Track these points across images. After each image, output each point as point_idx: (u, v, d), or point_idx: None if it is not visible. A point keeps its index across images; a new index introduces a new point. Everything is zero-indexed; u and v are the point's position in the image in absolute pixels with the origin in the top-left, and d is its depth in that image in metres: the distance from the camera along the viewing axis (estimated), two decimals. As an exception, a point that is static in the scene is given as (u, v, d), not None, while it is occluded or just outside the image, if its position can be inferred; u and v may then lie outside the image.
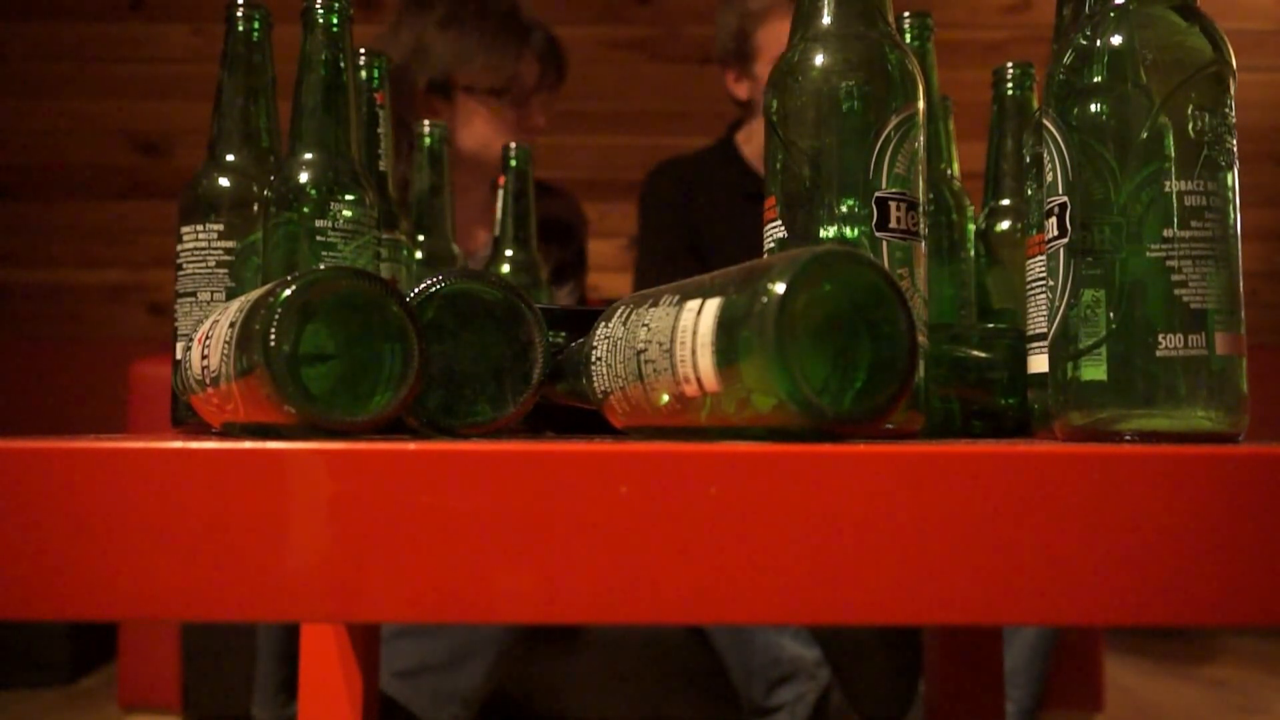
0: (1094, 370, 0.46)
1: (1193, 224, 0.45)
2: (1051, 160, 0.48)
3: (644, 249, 1.80)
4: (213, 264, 0.64)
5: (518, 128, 1.44)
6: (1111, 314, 0.45)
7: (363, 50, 0.76)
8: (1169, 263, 0.44)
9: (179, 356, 0.63)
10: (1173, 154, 0.45)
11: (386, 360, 0.43)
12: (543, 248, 1.59)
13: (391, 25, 1.49)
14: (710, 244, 1.71)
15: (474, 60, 1.40)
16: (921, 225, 0.50)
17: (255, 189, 0.64)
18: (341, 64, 0.60)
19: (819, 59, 0.50)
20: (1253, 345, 0.48)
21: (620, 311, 0.47)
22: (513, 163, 0.92)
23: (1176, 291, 0.44)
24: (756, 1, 1.62)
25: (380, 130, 0.75)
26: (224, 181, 0.65)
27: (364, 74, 0.76)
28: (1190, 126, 0.45)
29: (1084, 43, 0.47)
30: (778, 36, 1.58)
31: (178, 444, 0.34)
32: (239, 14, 0.67)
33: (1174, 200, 0.45)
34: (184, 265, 0.65)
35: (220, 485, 0.34)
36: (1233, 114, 0.46)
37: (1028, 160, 0.62)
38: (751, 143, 1.71)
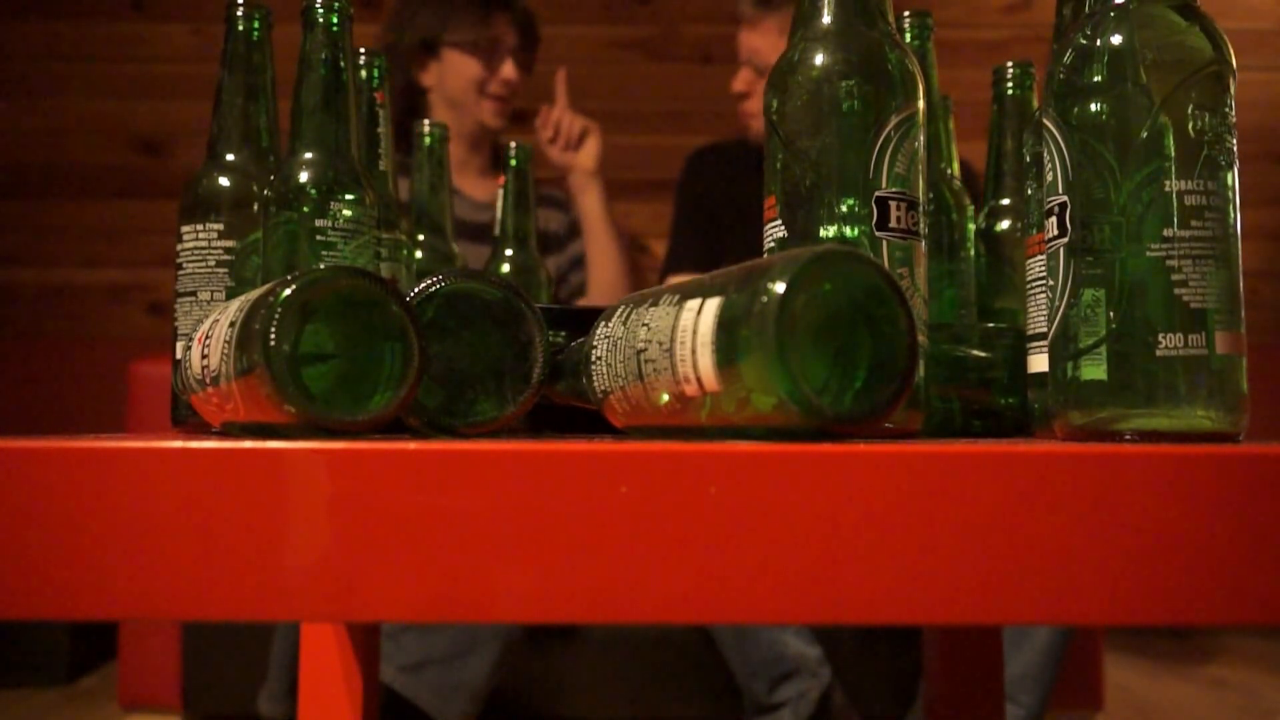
0: (1094, 370, 0.46)
1: (1193, 223, 0.45)
2: (1051, 160, 0.48)
3: (673, 233, 1.87)
4: (213, 263, 0.64)
5: (492, 81, 1.68)
6: (1111, 313, 0.45)
7: (363, 50, 0.75)
8: (1169, 262, 0.44)
9: (179, 356, 0.63)
10: (1173, 153, 0.45)
11: (386, 360, 0.43)
12: (543, 210, 1.72)
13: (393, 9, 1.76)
14: (735, 234, 1.75)
15: (460, 17, 1.66)
16: (921, 225, 0.50)
17: (255, 189, 0.64)
18: (341, 64, 0.60)
19: (819, 58, 0.50)
20: (1253, 345, 0.48)
21: (620, 311, 0.47)
22: (513, 163, 0.92)
23: (1176, 291, 0.44)
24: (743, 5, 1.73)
25: (380, 130, 0.75)
26: (224, 181, 0.65)
27: (364, 74, 0.76)
28: (1190, 126, 0.45)
29: (1084, 42, 0.47)
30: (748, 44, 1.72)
31: (178, 444, 0.34)
32: (239, 14, 0.67)
33: (1174, 200, 0.45)
34: (184, 265, 0.65)
35: (220, 485, 0.34)
36: (1233, 113, 0.46)
37: (1028, 160, 0.62)
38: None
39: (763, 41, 1.70)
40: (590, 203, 1.70)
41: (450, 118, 1.67)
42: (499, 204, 0.93)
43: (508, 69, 1.68)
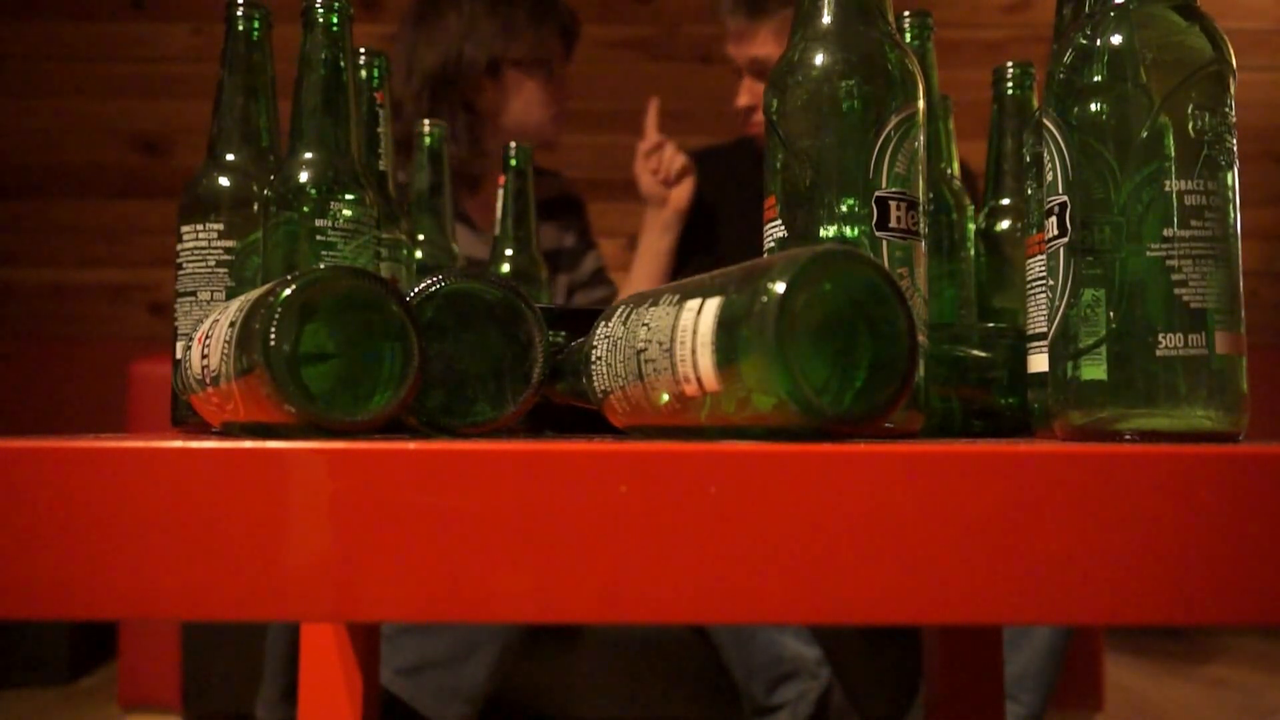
0: (1094, 370, 0.46)
1: (1193, 223, 0.45)
2: (1051, 160, 0.48)
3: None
4: (213, 263, 0.64)
5: (555, 97, 1.58)
6: (1111, 313, 0.45)
7: (363, 50, 0.76)
8: (1169, 262, 0.44)
9: (179, 356, 0.63)
10: (1173, 153, 0.45)
11: (386, 360, 0.43)
12: (560, 221, 1.65)
13: (428, 18, 1.60)
14: (725, 241, 1.74)
15: (522, 36, 1.53)
16: (921, 225, 0.50)
17: (255, 189, 0.64)
18: (341, 64, 0.60)
19: (819, 58, 0.50)
20: (1253, 345, 0.48)
21: (620, 311, 0.47)
22: (512, 162, 0.92)
23: (1176, 291, 0.44)
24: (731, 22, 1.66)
25: (380, 130, 0.75)
26: (224, 181, 0.65)
27: (364, 74, 0.76)
28: (1190, 126, 0.45)
29: (1084, 42, 0.47)
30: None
31: (178, 444, 0.34)
32: (239, 14, 0.67)
33: (1174, 200, 0.45)
34: (184, 265, 0.65)
35: (220, 485, 0.34)
36: (1233, 113, 0.46)
37: (1028, 160, 0.62)
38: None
39: (762, 50, 1.66)
40: (665, 244, 1.64)
41: (510, 140, 1.60)
42: (499, 204, 0.93)
43: (567, 87, 1.61)
